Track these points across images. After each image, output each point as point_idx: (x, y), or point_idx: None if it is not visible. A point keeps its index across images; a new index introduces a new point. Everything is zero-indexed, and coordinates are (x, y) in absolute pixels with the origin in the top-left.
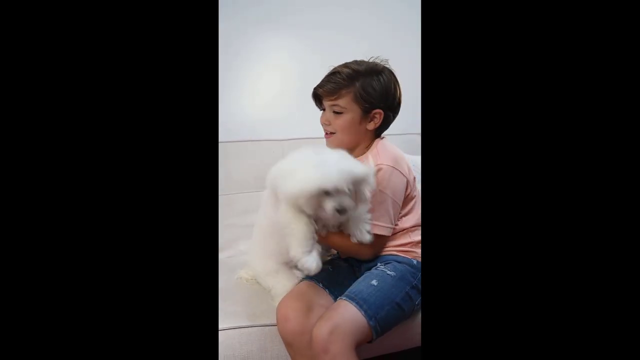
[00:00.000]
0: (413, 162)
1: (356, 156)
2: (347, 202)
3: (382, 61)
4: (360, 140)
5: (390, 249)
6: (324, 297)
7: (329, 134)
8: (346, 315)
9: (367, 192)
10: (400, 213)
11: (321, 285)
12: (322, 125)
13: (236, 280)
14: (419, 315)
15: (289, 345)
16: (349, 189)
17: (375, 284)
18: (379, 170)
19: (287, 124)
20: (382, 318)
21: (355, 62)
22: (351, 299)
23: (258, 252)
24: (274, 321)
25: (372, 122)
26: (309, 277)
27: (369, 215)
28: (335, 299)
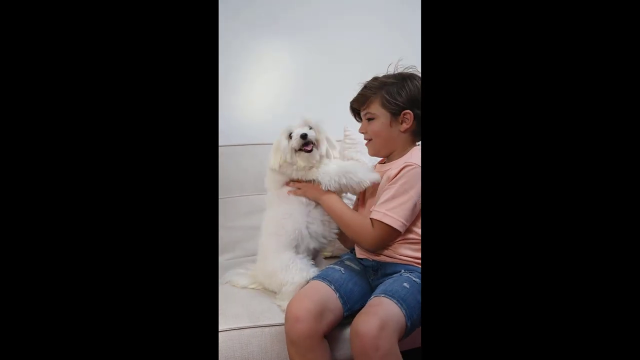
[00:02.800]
0: None
1: (394, 160)
2: (310, 133)
3: (408, 68)
4: (395, 143)
5: (413, 260)
6: (334, 301)
7: (367, 141)
8: (391, 312)
9: (326, 142)
10: None
11: (333, 287)
12: (362, 134)
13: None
14: None
15: (292, 344)
16: (309, 127)
17: (408, 286)
18: (406, 166)
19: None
20: (414, 321)
21: (385, 75)
22: (391, 296)
23: (270, 247)
24: (275, 322)
25: (403, 124)
26: (321, 277)
27: (344, 170)
28: (343, 304)
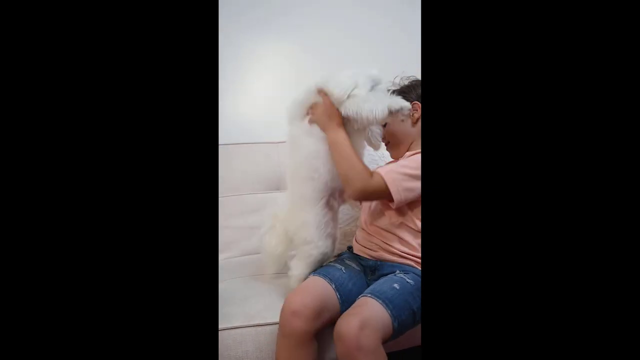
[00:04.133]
0: None
1: (413, 150)
2: None
3: (411, 79)
4: (411, 136)
5: (411, 257)
6: (333, 301)
7: (387, 147)
8: (374, 311)
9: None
10: None
11: (333, 286)
12: (385, 145)
13: (233, 281)
14: None
15: (283, 337)
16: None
17: (398, 287)
18: (416, 154)
19: (282, 127)
20: (402, 322)
21: (392, 84)
22: (377, 297)
23: (306, 194)
24: (270, 321)
25: (414, 115)
26: (322, 274)
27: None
28: (341, 304)
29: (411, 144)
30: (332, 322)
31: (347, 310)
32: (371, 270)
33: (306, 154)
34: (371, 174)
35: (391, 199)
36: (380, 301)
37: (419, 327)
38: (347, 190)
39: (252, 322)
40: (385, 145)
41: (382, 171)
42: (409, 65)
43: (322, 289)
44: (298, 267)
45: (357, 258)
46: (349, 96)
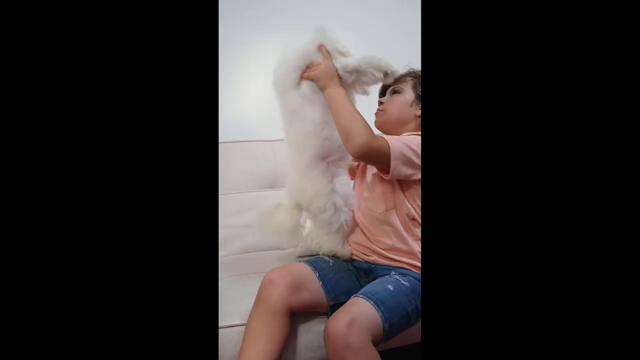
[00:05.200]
0: None
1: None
2: None
3: None
4: (405, 122)
5: (405, 261)
6: (313, 283)
7: (379, 111)
8: (363, 311)
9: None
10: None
11: (317, 274)
12: (378, 104)
13: (229, 279)
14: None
15: (257, 304)
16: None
17: (392, 289)
18: (416, 134)
19: (277, 124)
20: (394, 323)
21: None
22: (369, 297)
23: (316, 160)
24: None
25: (420, 110)
26: (308, 262)
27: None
28: (326, 292)
29: (401, 127)
30: (313, 305)
31: (338, 310)
32: (365, 273)
33: (312, 123)
34: (372, 131)
35: (388, 167)
36: (371, 302)
37: (418, 325)
38: (349, 144)
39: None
40: (379, 110)
41: (386, 137)
42: (409, 64)
43: (303, 270)
44: (327, 240)
45: (351, 261)
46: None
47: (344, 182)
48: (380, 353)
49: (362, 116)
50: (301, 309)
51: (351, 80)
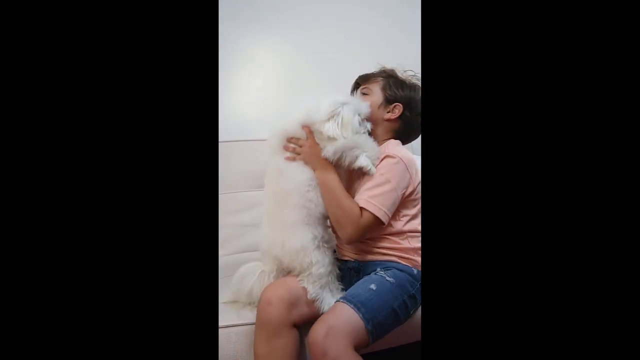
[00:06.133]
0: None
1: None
2: None
3: (411, 75)
4: (375, 126)
5: (392, 253)
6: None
7: None
8: (342, 316)
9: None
10: (402, 213)
11: None
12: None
13: (227, 279)
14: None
15: (260, 327)
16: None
17: (374, 288)
18: (387, 157)
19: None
20: (378, 323)
21: (395, 70)
22: (348, 301)
23: (298, 219)
24: None
25: (389, 113)
26: None
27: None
28: None
29: (374, 131)
30: (313, 318)
31: (318, 318)
32: (355, 272)
33: (297, 184)
34: (360, 212)
35: (382, 222)
36: (351, 305)
37: (418, 325)
38: (340, 233)
39: (245, 321)
40: None
41: (362, 202)
42: (409, 64)
43: (297, 283)
44: (320, 294)
45: (342, 261)
46: (333, 137)
47: (326, 241)
48: (381, 353)
49: (347, 199)
50: (303, 322)
51: (338, 161)
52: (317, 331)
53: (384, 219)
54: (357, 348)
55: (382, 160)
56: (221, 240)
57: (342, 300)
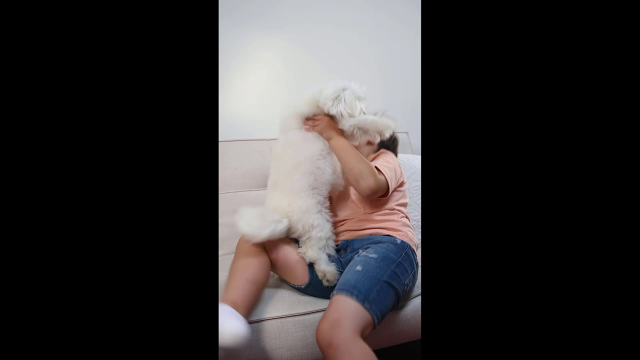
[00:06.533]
0: (404, 160)
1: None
2: None
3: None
4: (360, 149)
5: (375, 225)
6: (293, 250)
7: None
8: (339, 306)
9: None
10: (394, 197)
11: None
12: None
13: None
14: (413, 309)
15: (237, 253)
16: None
17: (360, 268)
18: (382, 153)
19: (274, 124)
20: (374, 299)
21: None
22: (341, 290)
23: (307, 184)
24: (262, 318)
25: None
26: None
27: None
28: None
29: (366, 153)
30: (291, 262)
31: (322, 316)
32: (343, 249)
33: (309, 154)
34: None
35: (387, 192)
36: (345, 293)
37: (418, 325)
38: (360, 185)
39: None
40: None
41: (378, 165)
42: (409, 65)
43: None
44: (320, 256)
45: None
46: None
47: (328, 207)
48: (380, 352)
49: (365, 160)
50: (280, 258)
51: (355, 134)
52: (322, 326)
53: (391, 186)
54: (365, 332)
55: (379, 154)
56: (220, 240)
57: (335, 292)
